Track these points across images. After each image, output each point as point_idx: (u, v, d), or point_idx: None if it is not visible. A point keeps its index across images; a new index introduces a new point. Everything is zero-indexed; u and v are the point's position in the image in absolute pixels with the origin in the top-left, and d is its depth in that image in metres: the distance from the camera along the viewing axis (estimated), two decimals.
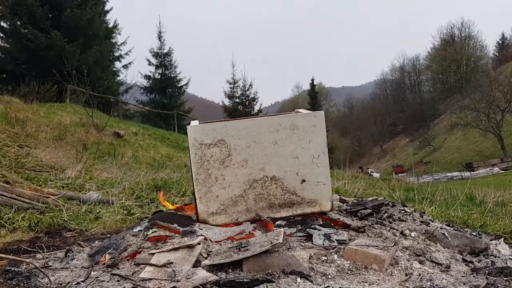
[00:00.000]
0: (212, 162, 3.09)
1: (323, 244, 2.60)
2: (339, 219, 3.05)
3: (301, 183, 3.06)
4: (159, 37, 34.77)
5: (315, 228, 2.81)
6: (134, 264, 2.59)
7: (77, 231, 4.13)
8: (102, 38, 26.30)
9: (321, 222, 2.97)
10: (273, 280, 2.19)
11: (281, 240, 2.46)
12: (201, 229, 2.96)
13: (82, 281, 2.42)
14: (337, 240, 2.69)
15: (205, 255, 2.51)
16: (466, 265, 2.67)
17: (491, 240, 3.25)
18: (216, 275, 2.26)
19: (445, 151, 66.53)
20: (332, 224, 2.97)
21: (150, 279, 2.31)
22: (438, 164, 52.57)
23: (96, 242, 3.48)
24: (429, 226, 3.06)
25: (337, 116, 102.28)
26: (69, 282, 2.44)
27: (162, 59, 34.85)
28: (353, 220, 3.10)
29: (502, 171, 39.22)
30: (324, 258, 2.45)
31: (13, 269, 2.72)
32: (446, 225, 3.46)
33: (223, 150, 3.06)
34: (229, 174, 3.07)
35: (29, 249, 3.38)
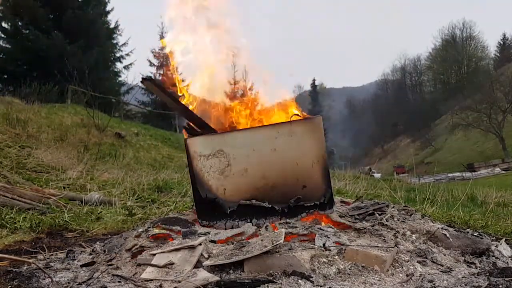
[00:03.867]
0: (212, 173, 3.09)
1: (325, 245, 2.60)
2: (340, 220, 3.04)
3: (302, 189, 3.05)
4: (160, 38, 34.78)
5: (316, 230, 2.81)
6: (135, 265, 2.59)
7: (78, 231, 4.13)
8: (103, 39, 26.35)
9: (322, 224, 2.97)
10: (275, 280, 2.19)
11: (282, 240, 2.46)
12: (202, 230, 2.96)
13: (84, 282, 2.42)
14: (338, 241, 2.68)
15: (206, 256, 2.51)
16: (467, 266, 2.67)
17: (492, 241, 3.24)
18: (218, 276, 2.26)
19: (446, 152, 66.45)
20: (334, 225, 2.97)
21: (152, 279, 2.32)
22: (439, 165, 52.46)
23: (98, 242, 3.48)
24: (431, 227, 3.06)
25: (339, 116, 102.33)
26: (70, 283, 2.44)
27: (163, 59, 34.86)
28: (354, 221, 3.10)
29: (503, 172, 39.10)
30: (325, 259, 2.45)
31: (14, 269, 2.72)
32: (447, 225, 3.45)
33: (222, 160, 3.06)
34: (229, 184, 3.07)
35: (30, 249, 3.38)
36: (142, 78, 3.23)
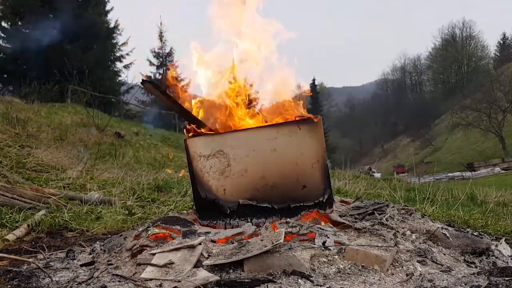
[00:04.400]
0: (211, 173, 3.07)
1: (325, 245, 2.60)
2: (340, 220, 3.04)
3: (302, 189, 3.04)
4: (160, 37, 34.81)
5: (316, 229, 2.80)
6: (135, 264, 2.59)
7: (78, 231, 4.13)
8: (103, 39, 26.34)
9: (322, 224, 2.97)
10: (274, 280, 2.19)
11: (282, 240, 2.46)
12: (202, 230, 2.96)
13: (84, 282, 2.42)
14: (338, 240, 2.68)
15: (206, 255, 2.51)
16: (467, 265, 2.67)
17: (492, 241, 3.24)
18: (217, 275, 2.26)
19: (446, 151, 66.46)
20: (333, 225, 2.97)
21: (151, 279, 2.32)
22: (439, 164, 52.42)
23: (97, 242, 3.48)
24: (430, 227, 3.06)
25: (338, 116, 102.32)
26: (70, 283, 2.44)
27: (163, 59, 34.87)
28: (354, 221, 3.10)
29: (503, 171, 39.12)
30: (325, 258, 2.44)
31: (14, 269, 2.72)
32: (447, 225, 3.45)
33: (222, 160, 3.04)
34: (229, 184, 3.05)
35: (30, 249, 3.38)
36: (143, 80, 3.24)
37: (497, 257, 2.88)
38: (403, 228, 3.01)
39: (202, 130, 3.29)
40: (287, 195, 3.03)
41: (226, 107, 3.50)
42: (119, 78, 28.91)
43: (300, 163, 3.04)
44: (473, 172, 39.23)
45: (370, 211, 3.24)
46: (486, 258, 2.83)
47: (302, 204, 3.04)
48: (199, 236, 2.78)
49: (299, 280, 2.21)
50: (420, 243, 2.81)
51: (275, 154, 3.01)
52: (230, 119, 3.41)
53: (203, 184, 3.13)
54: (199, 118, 3.35)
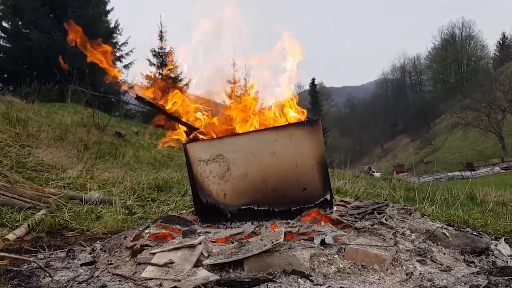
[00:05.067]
0: (211, 178, 3.07)
1: (324, 244, 2.61)
2: (340, 220, 3.05)
3: (302, 191, 3.04)
4: (160, 37, 34.74)
5: (316, 229, 2.81)
6: (135, 264, 2.60)
7: (78, 230, 4.13)
8: (103, 39, 26.32)
9: (322, 223, 2.98)
10: (274, 279, 2.19)
11: (282, 240, 2.46)
12: (202, 229, 2.97)
13: (84, 281, 2.42)
14: (338, 240, 2.69)
15: (206, 255, 2.52)
16: (467, 265, 2.67)
17: (491, 240, 3.25)
18: (217, 275, 2.27)
19: (446, 151, 66.45)
20: (333, 225, 2.98)
21: (152, 278, 2.32)
22: (439, 164, 52.42)
23: (98, 242, 3.49)
24: (430, 226, 3.06)
25: (338, 116, 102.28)
26: (70, 282, 2.44)
27: (163, 59, 34.81)
28: (354, 220, 3.10)
29: (502, 171, 39.17)
30: (325, 258, 2.45)
31: (14, 268, 2.72)
32: (446, 225, 3.46)
33: (222, 164, 3.04)
34: (229, 188, 3.05)
35: (30, 248, 3.39)
36: (137, 95, 3.27)
37: (496, 257, 2.89)
38: (402, 227, 3.01)
39: (199, 135, 3.30)
40: (288, 197, 3.03)
41: (225, 108, 3.51)
42: (119, 78, 28.82)
43: (299, 165, 3.04)
44: (472, 172, 39.26)
45: (370, 211, 3.24)
46: (486, 258, 2.84)
47: (302, 206, 3.04)
48: (199, 235, 2.79)
49: (299, 279, 2.21)
50: (420, 243, 2.82)
51: (274, 157, 3.01)
52: (229, 122, 3.41)
53: (203, 188, 3.13)
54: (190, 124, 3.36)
